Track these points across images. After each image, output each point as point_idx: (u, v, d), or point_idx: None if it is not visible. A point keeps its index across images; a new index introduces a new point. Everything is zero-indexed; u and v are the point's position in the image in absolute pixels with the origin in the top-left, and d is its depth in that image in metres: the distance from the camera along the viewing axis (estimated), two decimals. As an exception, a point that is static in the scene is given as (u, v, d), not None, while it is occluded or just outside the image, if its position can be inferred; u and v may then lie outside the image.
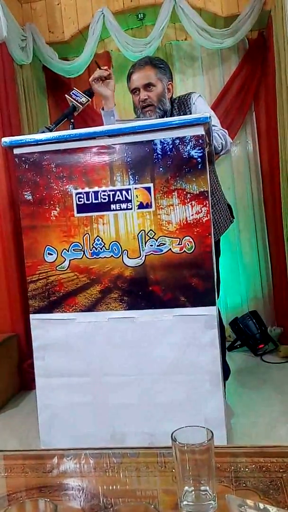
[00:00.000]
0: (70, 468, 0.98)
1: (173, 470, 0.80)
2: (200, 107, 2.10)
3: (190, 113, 2.08)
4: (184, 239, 1.65)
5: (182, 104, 2.15)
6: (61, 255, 1.75)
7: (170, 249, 1.66)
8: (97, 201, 1.71)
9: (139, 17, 3.42)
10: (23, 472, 0.96)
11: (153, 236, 1.67)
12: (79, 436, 1.74)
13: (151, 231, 1.68)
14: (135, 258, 1.69)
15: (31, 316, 1.80)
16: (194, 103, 2.12)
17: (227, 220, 2.25)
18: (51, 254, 1.76)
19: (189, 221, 1.65)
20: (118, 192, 1.69)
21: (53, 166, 1.74)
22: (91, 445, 1.06)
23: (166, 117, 2.09)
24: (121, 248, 1.70)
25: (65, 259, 1.75)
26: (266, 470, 0.85)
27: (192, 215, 1.65)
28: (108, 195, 1.70)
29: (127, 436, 1.71)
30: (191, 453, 0.75)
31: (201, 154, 1.63)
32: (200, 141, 1.63)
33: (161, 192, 1.66)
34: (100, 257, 1.72)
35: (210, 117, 1.62)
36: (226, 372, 2.22)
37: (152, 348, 1.70)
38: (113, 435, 1.72)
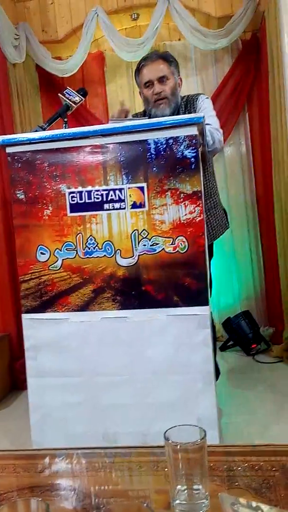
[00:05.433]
0: (62, 468, 0.97)
1: (166, 469, 0.80)
2: (205, 108, 2.10)
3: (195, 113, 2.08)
4: (177, 239, 1.65)
5: (188, 103, 2.16)
6: (54, 254, 1.74)
7: (163, 248, 1.66)
8: (90, 201, 1.71)
9: (133, 17, 3.42)
10: (14, 472, 0.95)
11: (146, 235, 1.67)
12: (71, 436, 1.74)
13: (144, 231, 1.67)
14: (128, 258, 1.69)
15: (23, 315, 1.79)
16: (200, 104, 2.12)
17: (223, 225, 2.25)
18: (44, 254, 1.75)
19: (182, 221, 1.65)
20: (111, 192, 1.69)
21: (46, 165, 1.73)
22: (83, 445, 1.05)
23: (177, 111, 2.10)
24: (114, 247, 1.70)
25: (58, 259, 1.74)
26: (258, 469, 0.85)
27: (186, 215, 1.65)
28: (101, 195, 1.70)
29: (119, 436, 1.71)
30: (184, 452, 0.75)
31: (194, 154, 1.63)
32: (194, 141, 1.63)
33: (154, 191, 1.66)
34: (93, 257, 1.72)
35: (203, 117, 1.62)
36: (215, 372, 2.22)
37: (145, 348, 1.70)
38: (105, 435, 1.72)
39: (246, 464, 0.87)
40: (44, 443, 1.76)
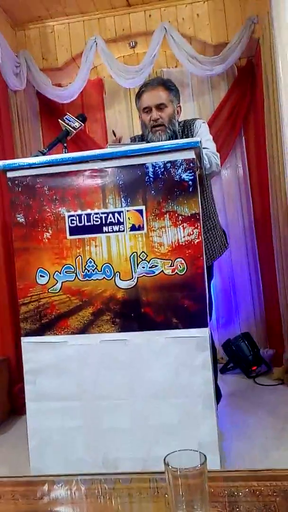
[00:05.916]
0: (61, 495, 0.96)
1: (166, 495, 0.79)
2: (201, 133, 2.14)
3: (193, 137, 2.12)
4: (176, 260, 1.66)
5: (186, 128, 2.20)
6: (53, 277, 1.75)
7: (162, 271, 1.67)
8: (89, 224, 1.73)
9: (131, 45, 3.51)
10: (13, 499, 0.93)
11: (145, 258, 1.68)
12: (70, 461, 1.71)
13: (143, 253, 1.69)
14: (127, 280, 1.70)
15: (22, 339, 1.79)
16: (197, 129, 2.16)
17: (222, 246, 2.28)
18: (43, 276, 1.76)
19: (181, 243, 1.66)
20: (110, 215, 1.71)
21: (46, 189, 1.75)
22: (83, 471, 1.04)
23: (175, 138, 2.13)
24: (113, 270, 1.70)
25: (57, 281, 1.75)
26: (259, 494, 0.84)
27: (184, 237, 1.66)
28: (101, 218, 1.72)
29: (119, 461, 1.68)
30: (184, 478, 0.74)
31: (192, 177, 1.66)
32: (191, 164, 1.66)
33: (153, 214, 1.68)
34: (92, 279, 1.72)
35: (200, 141, 1.66)
36: (217, 395, 2.20)
37: (144, 371, 1.68)
38: (105, 460, 1.69)
39: (247, 489, 0.86)
40: (43, 469, 1.73)
